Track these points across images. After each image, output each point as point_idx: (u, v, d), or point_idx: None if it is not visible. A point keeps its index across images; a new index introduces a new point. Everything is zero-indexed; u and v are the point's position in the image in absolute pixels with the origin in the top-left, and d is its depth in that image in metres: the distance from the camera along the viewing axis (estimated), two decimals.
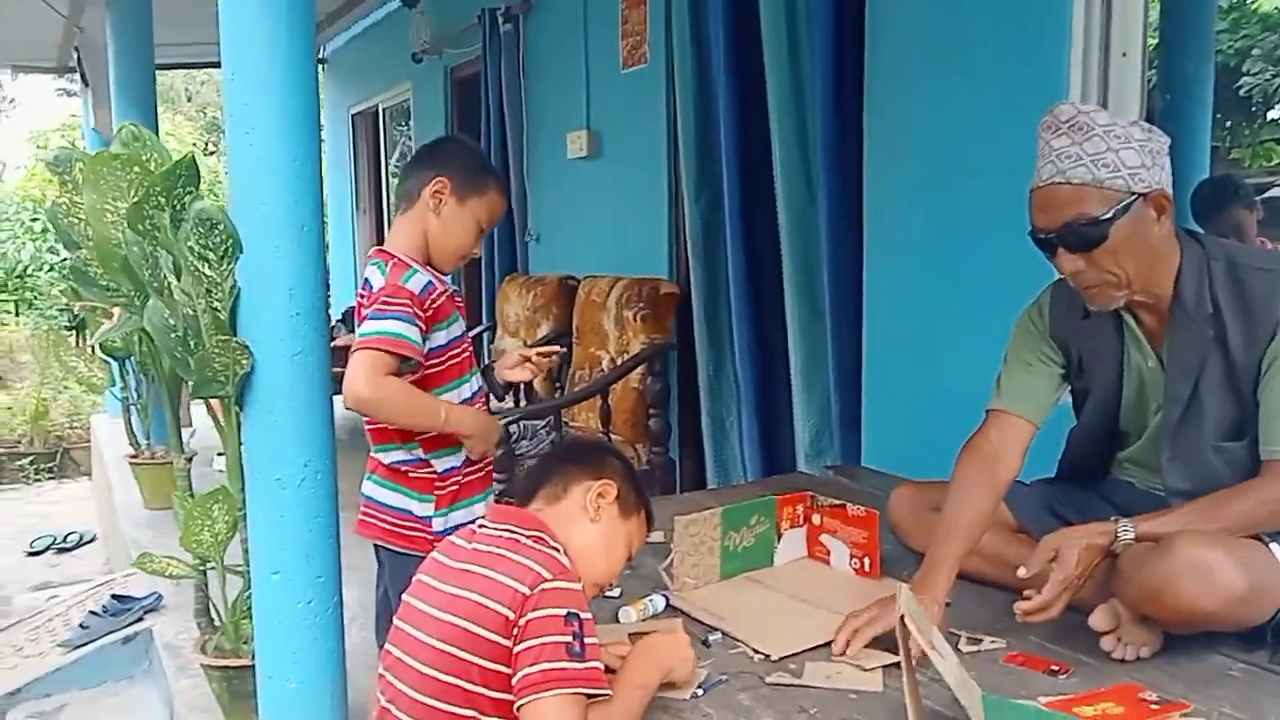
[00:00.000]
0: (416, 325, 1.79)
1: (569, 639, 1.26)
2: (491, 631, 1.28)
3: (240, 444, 2.08)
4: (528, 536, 1.39)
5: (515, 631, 1.27)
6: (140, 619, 2.99)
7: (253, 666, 2.11)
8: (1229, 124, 5.67)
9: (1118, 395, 1.80)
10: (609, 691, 1.29)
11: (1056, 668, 1.52)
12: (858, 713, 1.38)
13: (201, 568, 2.24)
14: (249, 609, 2.14)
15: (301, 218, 1.99)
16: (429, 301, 1.84)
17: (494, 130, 5.28)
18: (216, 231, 1.96)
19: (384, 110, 7.65)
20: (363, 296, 1.86)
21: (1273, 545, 1.53)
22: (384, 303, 1.79)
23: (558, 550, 1.39)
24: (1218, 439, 1.64)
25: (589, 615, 1.32)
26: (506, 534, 1.40)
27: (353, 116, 8.18)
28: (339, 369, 2.57)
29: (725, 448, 3.53)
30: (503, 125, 5.20)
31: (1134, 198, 1.55)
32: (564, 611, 1.27)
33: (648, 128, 3.95)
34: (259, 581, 2.04)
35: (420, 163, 1.98)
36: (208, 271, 1.98)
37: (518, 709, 1.24)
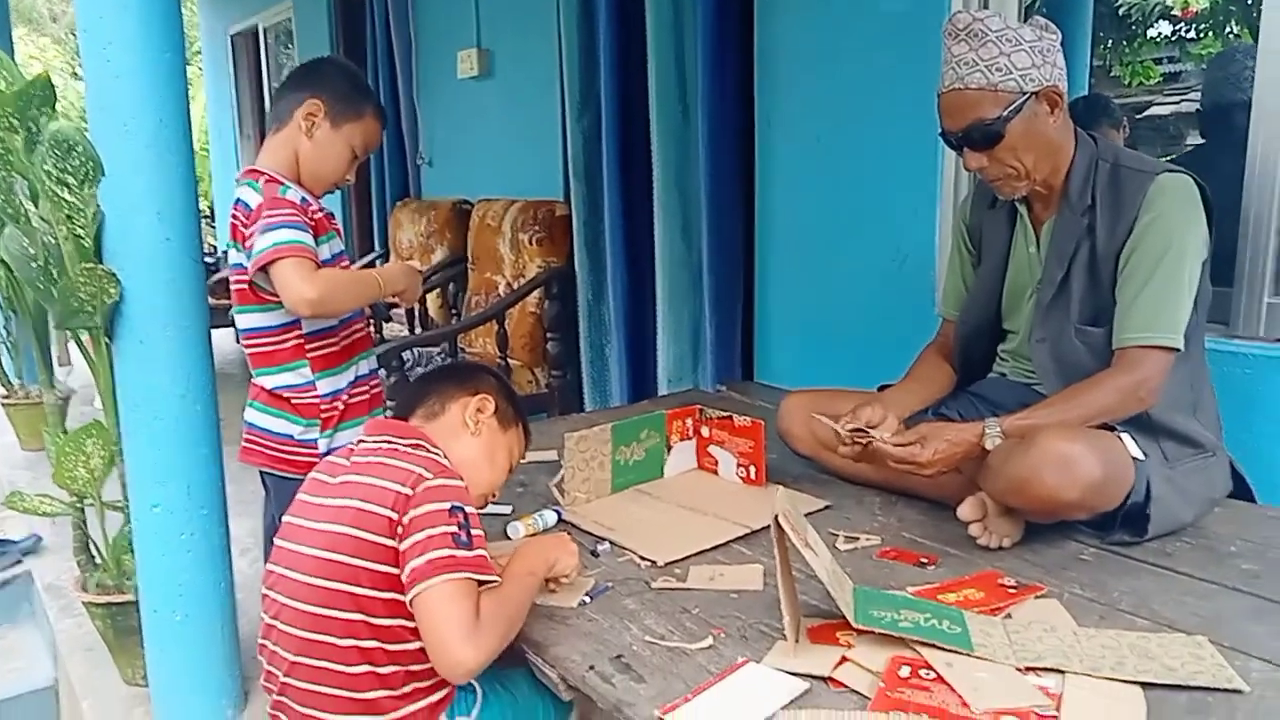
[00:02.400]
0: (309, 232, 1.75)
1: (454, 529, 1.27)
2: (376, 534, 1.28)
3: (113, 376, 2.01)
4: (406, 444, 1.40)
5: (399, 530, 1.27)
6: (19, 562, 2.90)
7: (136, 602, 2.08)
8: (1109, 42, 5.83)
9: (1001, 279, 1.91)
10: (498, 578, 1.31)
11: (925, 560, 1.60)
12: (737, 610, 1.43)
13: (78, 504, 2.18)
14: (130, 544, 2.09)
15: (167, 138, 1.90)
16: (310, 213, 1.79)
17: (381, 50, 5.09)
18: (75, 154, 1.86)
19: (265, 31, 7.28)
20: (238, 217, 1.79)
21: (1123, 436, 1.63)
22: (272, 215, 1.73)
23: (438, 453, 1.40)
24: (1081, 323, 1.75)
25: (474, 509, 1.34)
26: (385, 444, 1.40)
27: (232, 38, 7.77)
28: (223, 300, 2.50)
29: (604, 374, 3.50)
30: (390, 45, 5.02)
31: (1026, 96, 1.66)
32: (447, 505, 1.29)
33: (540, 46, 3.86)
34: (139, 515, 2.00)
35: (294, 83, 1.91)
36: (68, 196, 1.88)
37: (410, 601, 1.25)
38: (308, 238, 1.74)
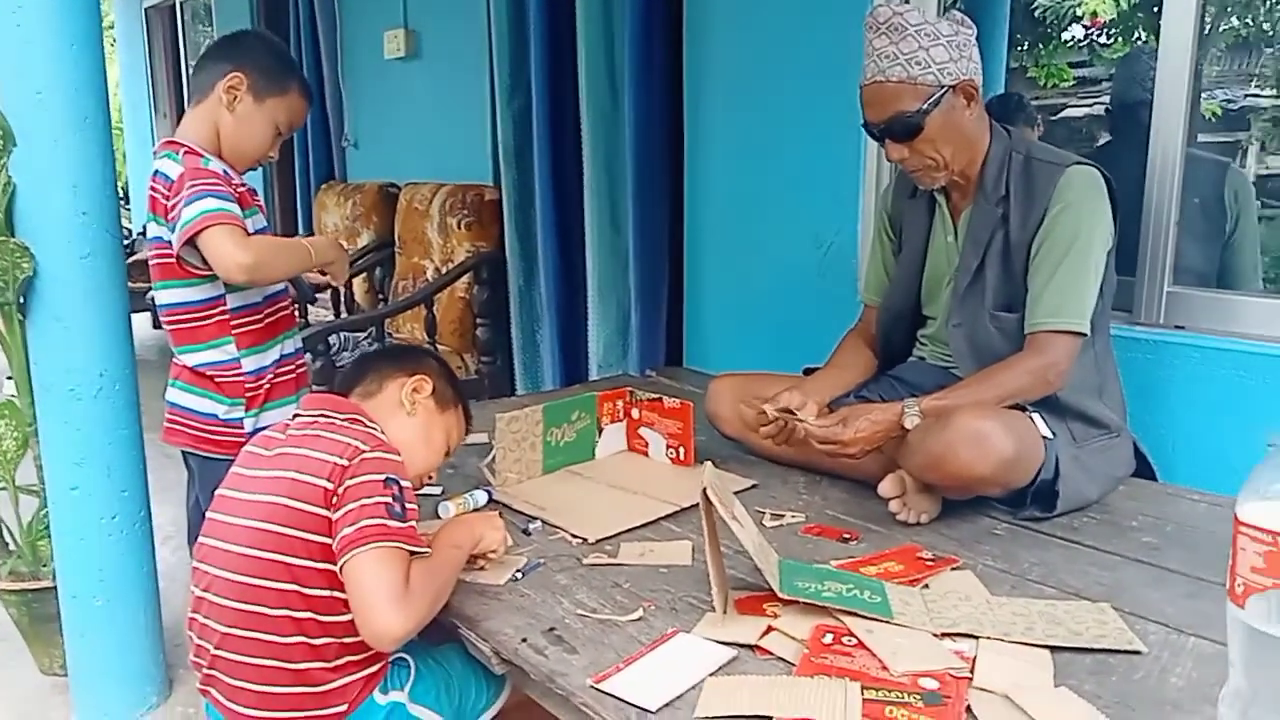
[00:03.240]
0: (235, 202, 1.72)
1: (388, 500, 1.27)
2: (311, 504, 1.27)
3: (27, 356, 1.95)
4: (343, 418, 1.39)
5: (334, 500, 1.27)
6: None
7: (54, 588, 2.02)
8: (1025, 44, 6.00)
9: (921, 266, 1.97)
10: (428, 549, 1.31)
11: (848, 535, 1.66)
12: (667, 584, 1.46)
13: None
14: (46, 529, 2.03)
15: (84, 108, 1.86)
16: (233, 185, 1.76)
17: (304, 28, 4.98)
18: None
19: (181, 6, 7.05)
20: (158, 189, 1.74)
21: (1034, 415, 1.71)
22: (197, 184, 1.69)
23: (375, 428, 1.39)
24: (995, 309, 1.82)
25: (408, 484, 1.34)
26: (322, 418, 1.39)
27: (147, 11, 7.51)
28: (140, 284, 2.44)
29: (536, 360, 3.51)
30: (314, 23, 4.91)
31: (944, 90, 1.72)
32: (382, 476, 1.29)
33: (468, 27, 3.82)
34: (56, 499, 1.95)
35: (216, 55, 1.86)
36: None
37: (340, 569, 1.25)
38: (234, 206, 1.71)
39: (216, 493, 1.39)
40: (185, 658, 2.20)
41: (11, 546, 2.15)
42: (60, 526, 1.95)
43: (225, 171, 1.78)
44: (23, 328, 1.93)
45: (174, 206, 1.69)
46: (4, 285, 1.86)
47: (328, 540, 1.27)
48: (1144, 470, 1.92)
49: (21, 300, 1.89)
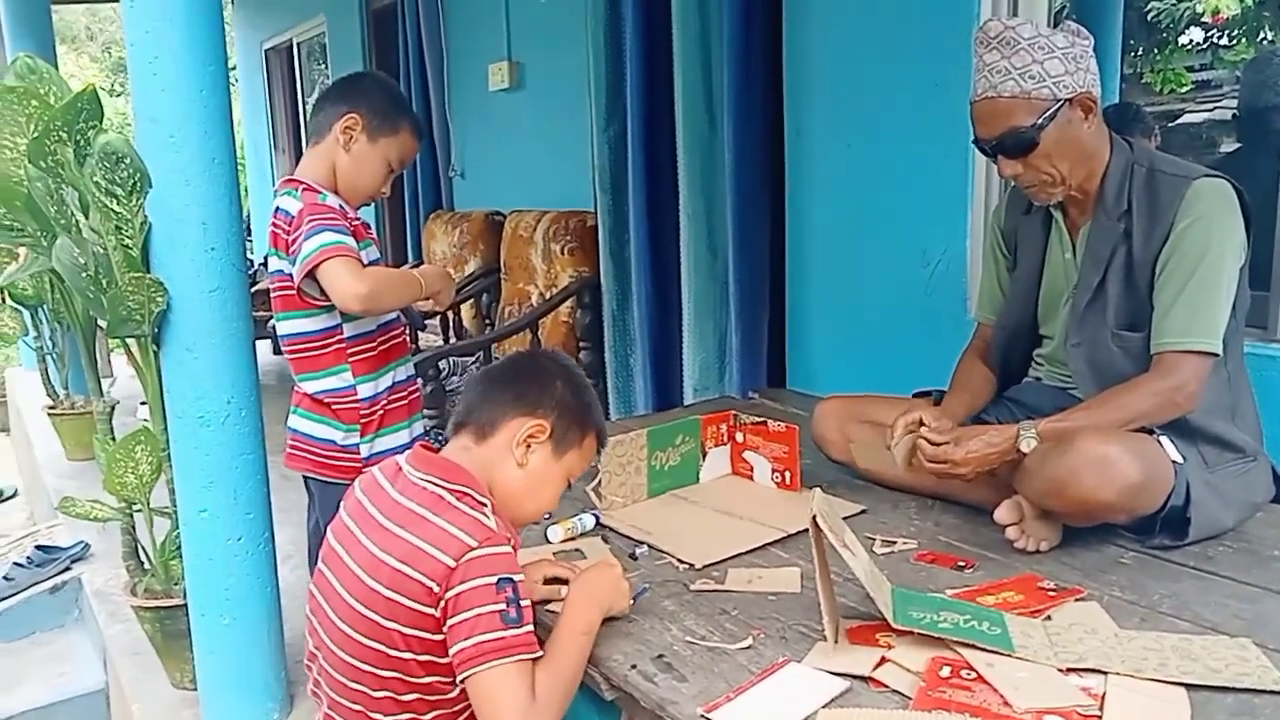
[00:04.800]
0: (351, 235, 1.79)
1: (502, 606, 1.22)
2: (413, 600, 1.24)
3: (160, 384, 2.06)
4: (452, 492, 1.32)
5: (443, 604, 1.23)
6: (67, 568, 2.95)
7: (185, 606, 2.11)
8: (1139, 49, 5.78)
9: (1037, 284, 1.91)
10: (539, 653, 1.27)
11: (963, 563, 1.61)
12: (776, 612, 1.44)
13: (127, 510, 2.22)
14: (178, 549, 2.13)
15: (212, 150, 1.94)
16: (348, 219, 1.83)
17: (413, 64, 5.16)
18: (123, 165, 1.91)
19: (299, 46, 7.40)
20: (279, 225, 1.83)
21: (1162, 439, 1.63)
22: (315, 219, 1.77)
23: (485, 507, 1.33)
24: (1118, 327, 1.75)
25: (520, 577, 1.28)
26: (430, 486, 1.33)
27: (266, 53, 7.90)
28: (262, 313, 2.54)
29: (629, 384, 3.50)
30: (422, 58, 5.08)
31: (1060, 104, 1.67)
32: (494, 579, 1.23)
33: (569, 58, 3.90)
34: (187, 520, 2.04)
35: (333, 96, 1.94)
36: (116, 208, 1.93)
37: (461, 683, 1.24)
38: (351, 240, 1.78)
39: (326, 537, 1.40)
40: (305, 673, 2.29)
41: (147, 566, 2.25)
42: (190, 547, 2.04)
43: (341, 207, 1.86)
44: (157, 357, 2.03)
45: (294, 241, 1.77)
46: (141, 318, 1.96)
47: (430, 636, 1.25)
48: None
49: (155, 331, 1.99)
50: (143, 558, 2.27)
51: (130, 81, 1.97)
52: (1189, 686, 1.17)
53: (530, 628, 1.25)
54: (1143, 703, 1.14)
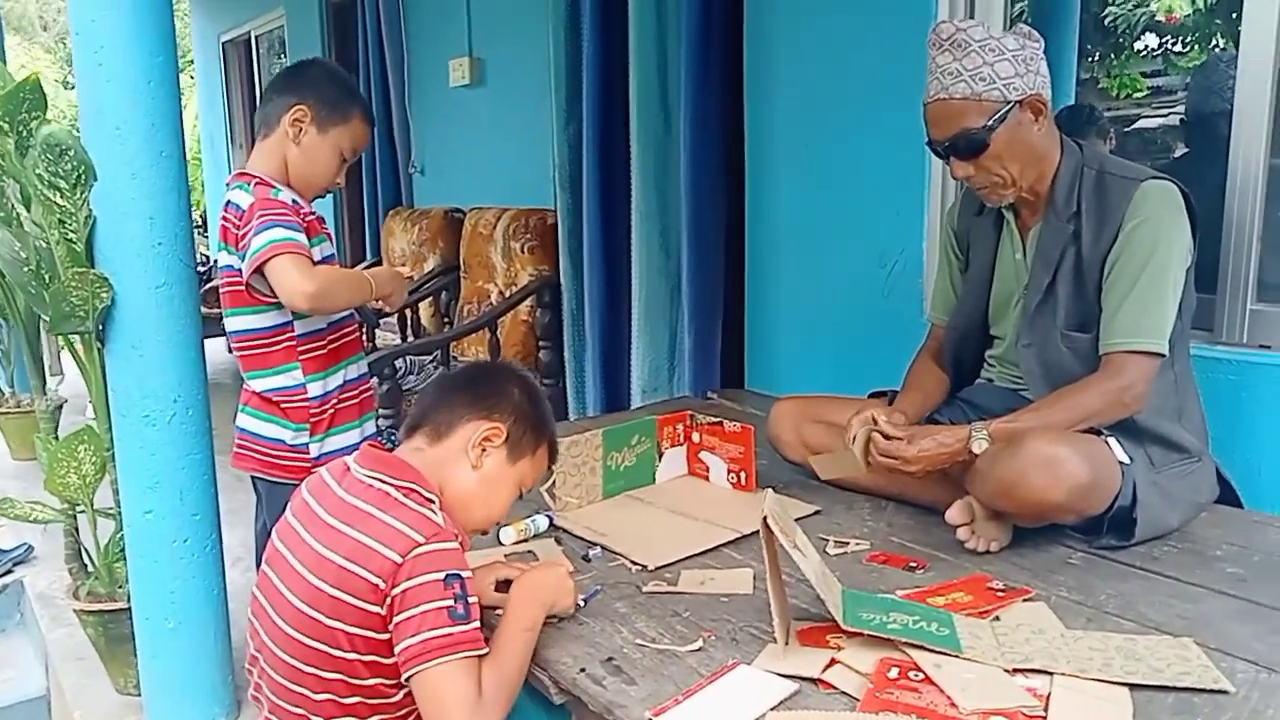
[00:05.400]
0: (303, 232, 1.76)
1: (450, 602, 1.21)
2: (358, 598, 1.22)
3: (105, 382, 2.01)
4: (399, 489, 1.31)
5: (389, 602, 1.22)
6: (9, 571, 2.89)
7: (129, 609, 2.07)
8: (1096, 54, 5.86)
9: (989, 284, 1.93)
10: (486, 650, 1.26)
11: (914, 564, 1.62)
12: (728, 613, 1.44)
13: (71, 512, 2.17)
14: (122, 551, 2.09)
15: (160, 142, 1.91)
16: (302, 215, 1.80)
17: (373, 58, 5.10)
18: (67, 158, 1.87)
19: (257, 39, 7.29)
20: (230, 219, 1.80)
21: (1110, 440, 1.65)
22: (266, 214, 1.74)
23: (433, 504, 1.32)
24: (1067, 328, 1.76)
25: (469, 573, 1.27)
26: (377, 483, 1.32)
27: (224, 45, 7.77)
28: (215, 309, 2.50)
29: (582, 384, 3.48)
30: (382, 53, 5.03)
31: (1010, 105, 1.68)
32: (441, 575, 1.22)
33: (531, 54, 3.87)
34: (131, 522, 2.00)
35: (280, 88, 1.91)
36: (59, 200, 1.89)
37: (406, 680, 1.22)
38: (302, 236, 1.75)
39: (271, 539, 1.38)
40: (249, 691, 2.26)
41: (90, 568, 2.21)
42: (135, 549, 2.00)
43: (294, 201, 1.83)
44: (101, 355, 1.99)
45: (244, 236, 1.74)
46: (84, 314, 1.91)
47: (375, 635, 1.24)
48: (1228, 497, 1.83)
49: (100, 328, 1.95)
50: (86, 560, 2.22)
51: (75, 71, 1.92)
52: (1132, 686, 1.19)
53: (477, 624, 1.24)
54: (1086, 702, 1.15)
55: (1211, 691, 1.18)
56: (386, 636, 1.24)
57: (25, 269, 2.03)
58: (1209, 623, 1.37)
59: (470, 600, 1.24)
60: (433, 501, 1.32)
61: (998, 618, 1.39)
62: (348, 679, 1.26)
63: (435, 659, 1.19)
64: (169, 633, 2.01)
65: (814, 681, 1.22)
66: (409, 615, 1.21)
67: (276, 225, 1.72)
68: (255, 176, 1.82)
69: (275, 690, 1.30)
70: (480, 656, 1.23)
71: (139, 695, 2.12)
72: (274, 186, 1.81)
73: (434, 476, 1.36)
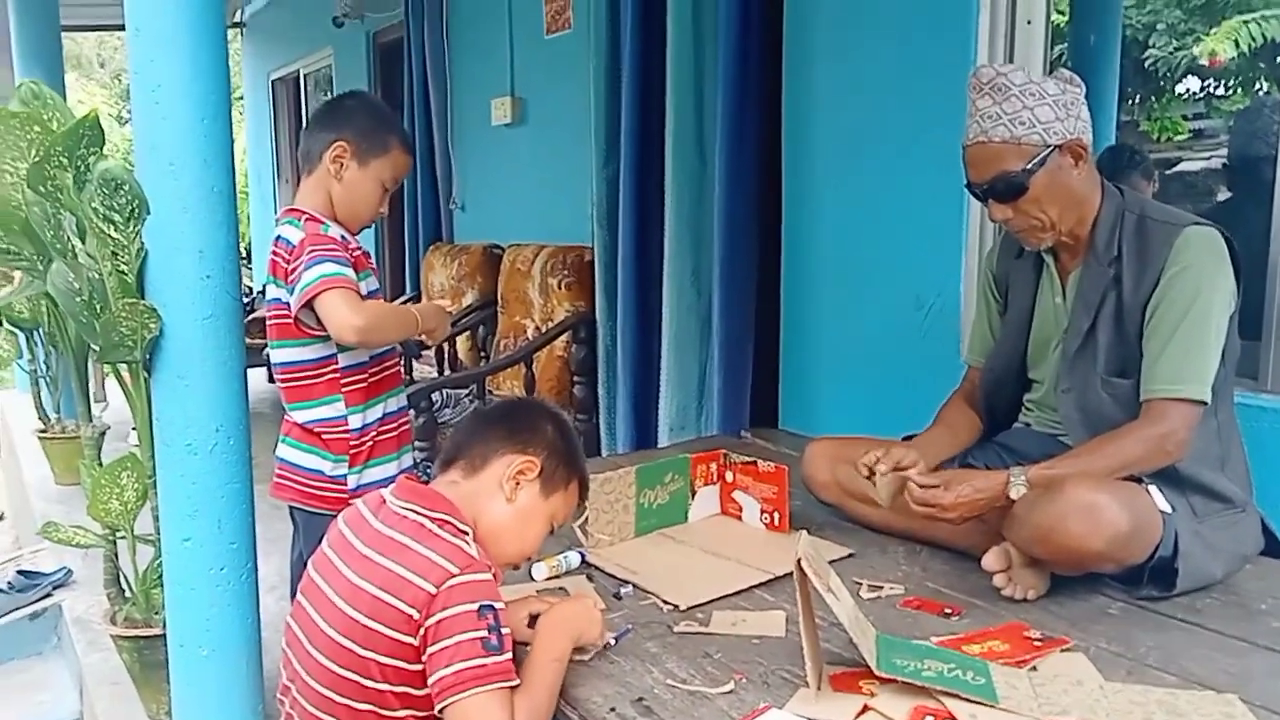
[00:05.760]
0: (351, 267, 1.80)
1: (484, 633, 1.22)
2: (392, 629, 1.23)
3: (150, 411, 2.05)
4: (433, 520, 1.32)
5: (423, 632, 1.22)
6: (48, 595, 2.92)
7: (164, 636, 2.09)
8: (1137, 97, 5.84)
9: (1027, 328, 1.92)
10: (518, 682, 1.26)
11: (950, 610, 1.60)
12: (759, 655, 1.43)
13: (111, 537, 2.21)
14: (160, 578, 2.11)
15: (211, 178, 1.95)
16: (350, 250, 1.84)
17: (418, 96, 5.21)
18: (122, 192, 1.93)
19: (305, 77, 7.47)
20: (280, 253, 1.85)
21: (1151, 488, 1.63)
22: (316, 250, 1.78)
23: (466, 535, 1.33)
24: (1107, 374, 1.75)
25: (502, 604, 1.28)
26: (412, 515, 1.33)
27: (273, 83, 7.98)
28: (258, 340, 2.55)
29: (613, 421, 3.50)
30: (426, 92, 5.13)
31: (1050, 150, 1.68)
32: (475, 606, 1.23)
33: (572, 94, 3.94)
34: (170, 549, 2.02)
35: (319, 124, 1.95)
36: (113, 233, 1.94)
37: (440, 710, 1.22)
38: (350, 271, 1.79)
39: (307, 569, 1.39)
40: (280, 708, 2.25)
41: (128, 594, 2.24)
42: (172, 576, 2.02)
43: (343, 236, 1.87)
44: (147, 384, 2.03)
45: (294, 270, 1.78)
46: (133, 344, 1.96)
47: (408, 666, 1.24)
48: (1274, 549, 1.79)
49: (147, 358, 1.99)
50: (124, 585, 2.26)
51: (132, 108, 1.99)
52: None
53: (510, 655, 1.25)
54: None
55: None
56: (419, 668, 1.24)
57: (78, 299, 2.09)
58: (1254, 678, 1.34)
59: (504, 632, 1.25)
60: (467, 533, 1.34)
61: (1035, 668, 1.37)
62: (379, 710, 1.26)
63: (469, 689, 1.19)
64: (203, 660, 2.02)
65: None
66: (443, 646, 1.21)
67: (327, 260, 1.76)
68: (305, 213, 1.86)
69: None
70: (513, 688, 1.24)
71: None
72: (323, 222, 1.85)
73: (468, 509, 1.38)
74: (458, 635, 1.21)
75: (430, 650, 1.22)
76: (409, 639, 1.23)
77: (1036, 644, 1.44)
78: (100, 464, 2.25)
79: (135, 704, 2.30)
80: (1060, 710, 1.22)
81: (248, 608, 2.08)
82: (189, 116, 1.92)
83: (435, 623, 1.22)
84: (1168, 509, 1.62)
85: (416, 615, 1.22)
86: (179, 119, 1.92)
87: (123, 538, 2.20)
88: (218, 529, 2.01)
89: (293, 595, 1.93)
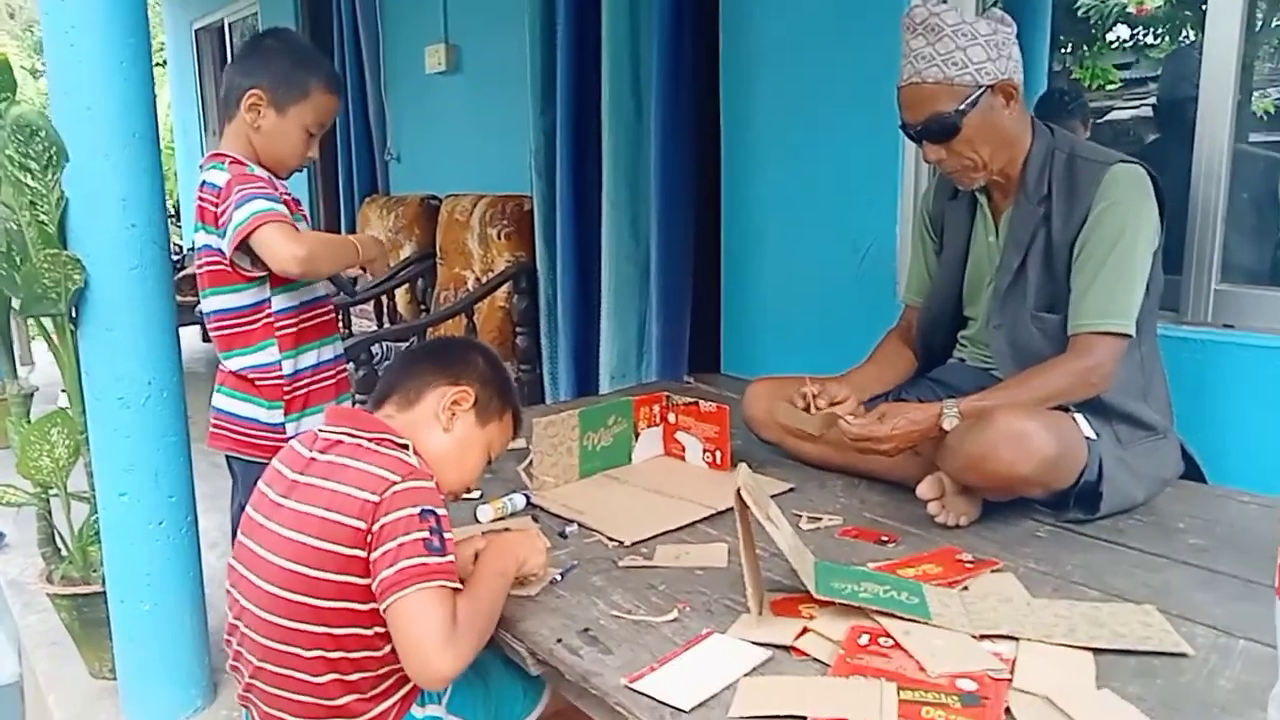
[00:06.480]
0: (284, 204, 1.76)
1: (425, 534, 1.22)
2: (344, 545, 1.23)
3: (78, 365, 2.00)
4: (370, 439, 1.33)
5: (369, 540, 1.23)
6: None
7: (103, 593, 2.06)
8: (1069, 45, 5.91)
9: (962, 267, 1.96)
10: (460, 586, 1.27)
11: (886, 538, 1.64)
12: (702, 586, 1.45)
13: (43, 495, 2.16)
14: (96, 535, 2.07)
15: (133, 124, 1.90)
16: (279, 191, 1.80)
17: (348, 46, 5.08)
18: (37, 139, 1.85)
19: (230, 26, 7.22)
20: (207, 198, 1.79)
21: (1077, 416, 1.68)
22: (244, 189, 1.73)
23: (405, 448, 1.34)
24: (1037, 309, 1.79)
25: (444, 511, 1.29)
26: (347, 438, 1.34)
27: (196, 33, 7.69)
28: (189, 298, 2.49)
29: (556, 370, 3.51)
30: (357, 40, 5.01)
31: (982, 90, 1.70)
32: (417, 510, 1.24)
33: (507, 41, 3.87)
34: (106, 504, 1.99)
35: (235, 71, 1.87)
36: (30, 182, 1.87)
37: (384, 611, 1.23)
38: (283, 207, 1.75)
39: (245, 510, 1.38)
40: (227, 663, 2.24)
41: (64, 552, 2.19)
42: (109, 532, 1.99)
43: (270, 178, 1.83)
44: (74, 338, 1.98)
45: (224, 212, 1.74)
46: (57, 296, 1.90)
47: (361, 580, 1.24)
48: (1192, 472, 1.88)
49: (73, 311, 1.94)
50: (59, 544, 2.20)
51: (45, 53, 1.91)
52: (1096, 650, 1.21)
53: (452, 558, 1.26)
54: (1051, 666, 1.18)
55: (1172, 655, 1.21)
56: (369, 581, 1.25)
57: None
58: (1171, 591, 1.41)
59: (446, 535, 1.26)
60: (406, 446, 1.34)
61: (966, 587, 1.42)
62: (331, 631, 1.26)
63: (410, 586, 1.20)
64: (145, 615, 2.00)
65: (787, 649, 1.24)
66: (385, 549, 1.22)
67: (257, 198, 1.71)
68: (229, 156, 1.81)
69: (259, 653, 1.30)
70: (455, 590, 1.25)
71: (114, 679, 2.11)
72: (248, 164, 1.81)
73: (406, 440, 1.38)
74: (400, 537, 1.22)
75: (374, 555, 1.23)
76: (360, 552, 1.24)
77: (968, 566, 1.49)
78: (28, 421, 2.18)
79: (76, 663, 2.27)
80: (990, 625, 1.27)
81: (189, 561, 2.06)
82: (106, 58, 1.86)
83: (379, 528, 1.23)
84: (1093, 436, 1.68)
85: (363, 526, 1.23)
86: (95, 60, 1.85)
87: (55, 495, 2.14)
88: (155, 483, 1.98)
89: (233, 544, 1.92)
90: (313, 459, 1.34)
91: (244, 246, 1.72)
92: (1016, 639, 1.24)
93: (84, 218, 1.90)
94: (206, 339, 5.96)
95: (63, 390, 2.11)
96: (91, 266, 1.90)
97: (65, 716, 2.13)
